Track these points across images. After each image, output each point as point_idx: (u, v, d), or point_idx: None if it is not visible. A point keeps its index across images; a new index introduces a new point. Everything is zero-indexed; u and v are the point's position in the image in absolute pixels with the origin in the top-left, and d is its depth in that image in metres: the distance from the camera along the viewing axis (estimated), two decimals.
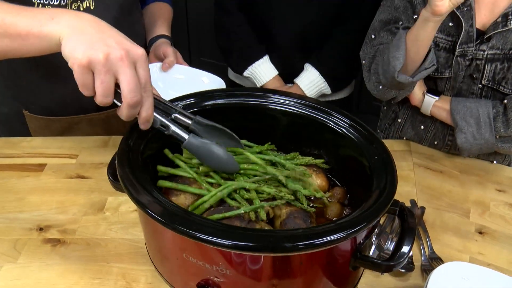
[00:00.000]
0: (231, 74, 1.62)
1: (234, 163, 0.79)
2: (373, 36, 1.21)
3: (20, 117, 1.29)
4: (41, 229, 0.94)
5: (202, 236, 0.59)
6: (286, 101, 0.86)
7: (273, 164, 0.82)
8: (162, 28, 1.38)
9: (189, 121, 0.78)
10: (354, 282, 0.79)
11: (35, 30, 0.70)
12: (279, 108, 0.87)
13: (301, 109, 0.86)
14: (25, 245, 0.90)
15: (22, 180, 1.06)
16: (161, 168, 0.81)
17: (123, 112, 0.69)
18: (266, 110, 0.87)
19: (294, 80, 1.46)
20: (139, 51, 0.68)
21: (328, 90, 1.45)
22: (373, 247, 0.91)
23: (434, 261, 0.92)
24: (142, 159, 0.75)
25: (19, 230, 0.93)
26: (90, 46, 0.65)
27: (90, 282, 0.83)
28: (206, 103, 0.85)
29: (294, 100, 0.86)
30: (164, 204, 0.63)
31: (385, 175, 0.73)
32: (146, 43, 1.38)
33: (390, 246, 0.94)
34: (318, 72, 1.42)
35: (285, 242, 0.59)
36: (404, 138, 1.34)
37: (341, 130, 0.83)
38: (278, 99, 0.86)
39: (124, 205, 1.00)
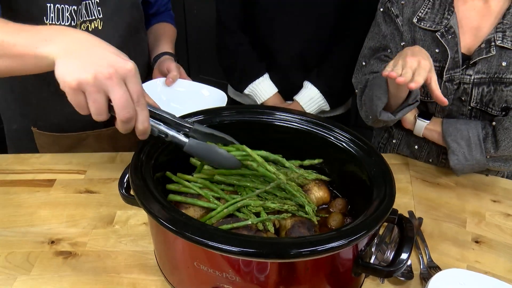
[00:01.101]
0: (231, 92, 1.66)
1: (235, 160, 0.81)
2: (363, 63, 1.25)
3: (29, 133, 1.33)
4: (52, 242, 0.97)
5: (214, 244, 0.62)
6: (289, 118, 0.91)
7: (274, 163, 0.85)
8: (165, 45, 1.42)
9: (187, 130, 0.80)
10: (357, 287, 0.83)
11: (31, 52, 0.71)
12: (283, 124, 0.91)
13: (303, 125, 0.90)
14: (37, 258, 0.93)
15: (33, 195, 1.10)
16: (170, 186, 0.85)
17: (119, 127, 0.71)
18: (270, 126, 0.91)
19: (294, 97, 1.50)
20: (127, 66, 0.69)
21: (327, 107, 1.49)
22: (373, 256, 0.94)
23: (432, 269, 0.95)
24: (154, 173, 0.78)
25: (31, 243, 0.96)
26: (79, 68, 0.67)
27: None
28: (214, 120, 0.89)
29: (297, 117, 0.91)
30: (177, 216, 0.67)
31: (384, 186, 0.77)
32: (150, 61, 1.42)
33: (390, 255, 0.97)
34: (317, 90, 1.46)
35: (291, 248, 0.62)
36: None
37: (341, 144, 0.87)
38: (282, 116, 0.91)
39: (133, 219, 1.03)
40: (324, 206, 0.90)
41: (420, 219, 1.08)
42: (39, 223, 1.02)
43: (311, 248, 0.63)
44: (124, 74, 0.69)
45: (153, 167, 0.79)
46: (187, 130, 0.80)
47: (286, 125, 0.91)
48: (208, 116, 0.90)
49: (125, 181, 0.83)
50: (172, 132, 0.77)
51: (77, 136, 1.31)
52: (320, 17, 1.44)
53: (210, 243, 0.62)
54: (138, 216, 1.04)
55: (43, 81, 1.21)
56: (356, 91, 1.27)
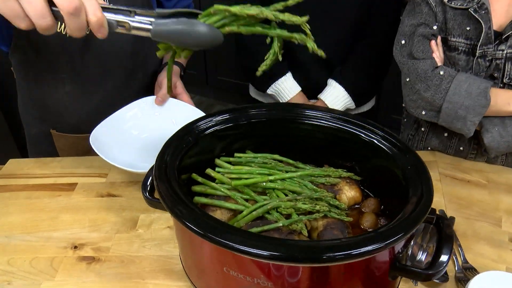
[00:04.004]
0: (253, 92, 1.63)
1: (215, 31, 0.70)
2: (403, 42, 1.22)
3: (48, 137, 1.32)
4: (75, 247, 0.95)
5: (246, 249, 0.59)
6: (319, 115, 0.87)
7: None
8: None
9: (151, 18, 0.69)
10: None
11: None
12: (313, 122, 0.87)
13: (334, 122, 0.87)
14: (61, 263, 0.91)
15: (54, 200, 1.08)
16: (195, 188, 0.82)
17: (70, 26, 0.62)
18: (299, 124, 0.88)
19: (319, 96, 1.47)
20: None
21: (352, 105, 1.46)
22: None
23: (468, 271, 0.91)
24: (178, 175, 0.76)
25: (54, 248, 0.95)
26: None
27: None
28: (240, 118, 0.86)
29: (327, 114, 0.87)
30: (206, 219, 0.64)
31: (421, 184, 0.73)
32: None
33: (422, 256, 0.93)
34: (342, 88, 1.43)
35: (329, 252, 0.59)
36: (429, 148, 1.34)
37: (373, 142, 0.84)
38: (311, 113, 0.87)
39: (156, 222, 1.00)
40: (356, 206, 0.86)
41: (452, 219, 1.04)
42: (62, 227, 1.00)
43: (350, 251, 0.59)
44: None
45: (178, 169, 0.77)
46: (152, 19, 0.69)
47: (316, 123, 0.87)
48: (234, 114, 0.87)
49: (148, 184, 0.81)
50: (132, 21, 0.67)
51: None
52: (342, 15, 1.41)
53: (242, 247, 0.59)
54: (162, 220, 1.01)
55: (59, 82, 1.20)
56: (408, 79, 1.22)
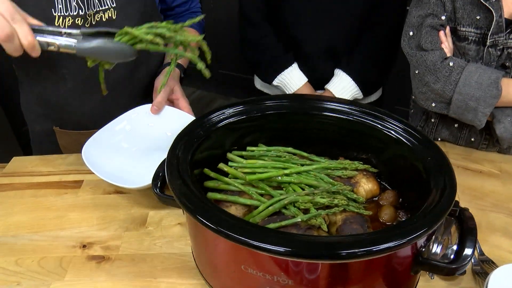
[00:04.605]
0: (258, 84, 1.60)
1: (128, 47, 0.81)
2: (411, 33, 1.19)
3: (51, 135, 1.29)
4: (84, 246, 0.93)
5: (268, 247, 0.57)
6: (333, 106, 0.85)
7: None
8: None
9: (77, 37, 0.79)
10: (413, 286, 0.77)
11: None
12: (327, 113, 0.85)
13: (350, 113, 0.84)
14: (70, 263, 0.89)
15: (60, 198, 1.05)
16: (208, 183, 0.80)
17: (6, 49, 0.74)
18: (312, 116, 0.86)
19: (326, 86, 1.44)
20: None
21: (360, 95, 1.43)
22: None
23: (485, 263, 0.89)
24: (191, 170, 0.73)
25: (63, 247, 0.92)
26: None
27: None
28: (253, 111, 0.84)
29: (342, 105, 0.84)
30: (223, 216, 0.61)
31: (443, 176, 0.71)
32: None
33: (438, 249, 0.91)
34: (349, 78, 1.40)
35: (354, 248, 0.57)
36: (439, 139, 1.32)
37: (391, 133, 0.81)
38: (325, 105, 0.85)
39: (166, 219, 0.98)
40: (373, 199, 0.84)
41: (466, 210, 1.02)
42: (69, 226, 0.97)
43: (379, 246, 0.57)
44: None
45: (190, 164, 0.74)
46: (78, 34, 0.80)
47: (331, 114, 0.85)
48: (247, 107, 0.84)
49: (158, 180, 0.78)
50: (59, 41, 0.78)
51: None
52: (349, 5, 1.38)
53: (263, 245, 0.57)
54: (172, 217, 0.99)
55: (60, 78, 1.18)
56: (417, 72, 1.20)
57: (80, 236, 0.95)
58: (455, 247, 0.91)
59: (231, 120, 0.82)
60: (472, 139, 1.26)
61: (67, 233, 0.96)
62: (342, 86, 1.40)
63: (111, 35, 0.81)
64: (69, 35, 0.80)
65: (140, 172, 1.03)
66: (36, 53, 0.78)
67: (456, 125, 1.27)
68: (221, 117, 0.82)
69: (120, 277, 0.86)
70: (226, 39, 2.79)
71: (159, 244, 0.92)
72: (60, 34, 0.80)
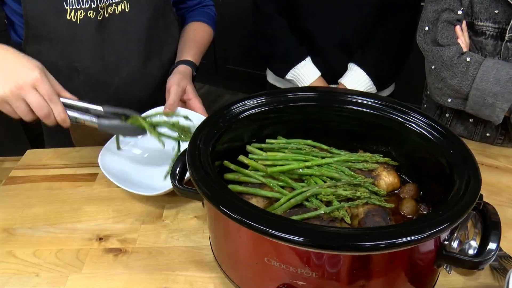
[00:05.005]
0: (271, 78, 1.59)
1: (139, 128, 0.96)
2: (426, 28, 1.18)
3: (64, 129, 1.28)
4: (100, 238, 0.92)
5: (295, 238, 0.56)
6: (354, 99, 0.84)
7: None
8: (188, 53, 1.29)
9: (94, 119, 0.94)
10: (434, 280, 0.76)
11: None
12: (348, 106, 0.84)
13: (373, 107, 0.83)
14: (87, 255, 0.88)
15: (76, 190, 1.05)
16: (228, 175, 0.79)
17: (44, 121, 0.90)
18: (333, 108, 0.85)
19: (339, 80, 1.43)
20: (34, 75, 0.86)
21: (374, 89, 1.42)
22: None
23: (504, 259, 0.88)
24: (212, 161, 0.73)
25: (79, 240, 0.92)
26: (0, 85, 0.85)
27: None
28: (274, 103, 0.83)
29: (363, 98, 0.83)
30: (249, 208, 0.61)
31: (467, 169, 0.70)
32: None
33: (455, 243, 0.91)
34: (363, 71, 1.39)
35: (391, 238, 0.56)
36: None
37: (412, 126, 0.80)
38: (347, 97, 0.84)
39: (182, 212, 0.98)
40: (394, 192, 0.83)
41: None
42: (85, 219, 0.97)
43: (406, 238, 0.56)
44: (32, 83, 0.86)
45: (211, 155, 0.74)
46: (101, 112, 0.95)
47: (351, 107, 0.84)
48: (268, 99, 0.83)
49: (177, 172, 0.77)
50: (85, 117, 0.93)
51: None
52: None
53: (290, 236, 0.56)
54: (188, 210, 0.98)
55: (73, 71, 1.17)
56: (433, 67, 1.19)
57: (96, 229, 0.95)
58: (472, 242, 0.91)
59: (252, 112, 0.81)
60: (488, 134, 1.25)
61: (84, 226, 0.95)
62: (356, 80, 1.39)
63: (126, 116, 0.97)
64: (92, 115, 0.95)
65: (155, 177, 1.02)
66: (66, 125, 0.93)
67: (471, 120, 1.26)
68: (241, 109, 0.81)
69: (138, 270, 0.85)
70: (234, 34, 2.79)
71: (176, 237, 0.92)
72: (87, 110, 0.94)
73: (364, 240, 0.56)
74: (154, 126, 0.97)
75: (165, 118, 0.99)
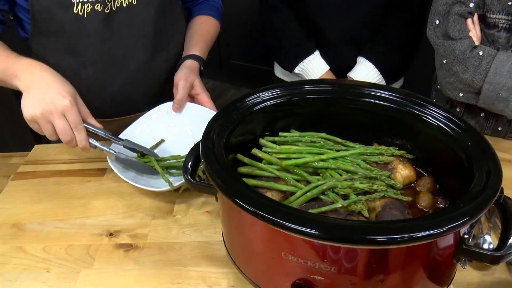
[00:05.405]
0: (279, 72, 1.58)
1: (149, 167, 1.02)
2: (437, 22, 1.16)
3: None
4: (111, 234, 0.91)
5: (314, 232, 0.55)
6: (369, 92, 0.82)
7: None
8: (195, 47, 1.28)
9: (112, 152, 1.00)
10: (452, 274, 0.75)
11: (8, 81, 0.98)
12: (362, 99, 0.82)
13: (389, 100, 0.82)
14: (97, 251, 0.87)
15: (84, 185, 1.04)
16: (242, 169, 0.78)
17: (67, 144, 0.94)
18: (347, 101, 0.83)
19: (348, 74, 1.42)
20: (64, 103, 0.91)
21: (383, 83, 1.40)
22: None
23: None
24: (226, 154, 0.71)
25: (89, 236, 0.91)
26: (31, 105, 0.91)
27: (169, 287, 0.80)
28: (288, 95, 0.82)
29: (384, 92, 0.82)
30: (268, 202, 0.59)
31: (486, 162, 0.69)
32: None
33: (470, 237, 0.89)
34: (372, 65, 1.37)
35: (407, 233, 0.55)
36: None
37: (427, 118, 0.79)
38: (362, 90, 0.82)
39: (193, 207, 0.96)
40: (410, 185, 0.81)
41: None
42: (95, 214, 0.96)
43: (432, 231, 0.55)
44: (62, 109, 0.91)
45: (225, 149, 0.72)
46: (121, 145, 1.02)
47: (365, 99, 0.82)
48: (288, 90, 0.82)
49: (189, 166, 0.76)
50: (104, 148, 0.99)
51: (120, 122, 1.25)
52: None
53: (309, 230, 0.55)
54: (199, 204, 0.97)
55: (80, 65, 1.16)
56: (445, 61, 1.17)
57: (106, 224, 0.94)
58: (487, 237, 0.89)
59: (266, 104, 0.80)
60: (499, 129, 1.23)
61: (93, 221, 0.94)
62: (365, 73, 1.38)
63: (142, 154, 1.03)
64: (115, 139, 1.03)
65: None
66: (86, 151, 0.97)
67: (482, 114, 1.24)
68: (255, 101, 0.80)
69: (149, 266, 0.84)
70: (239, 29, 2.77)
71: (187, 232, 0.91)
72: (104, 142, 1.00)
73: (391, 233, 0.54)
74: (166, 168, 1.01)
75: (179, 161, 1.01)
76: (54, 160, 1.12)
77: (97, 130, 0.99)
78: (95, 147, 0.98)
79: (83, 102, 0.98)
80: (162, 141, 1.11)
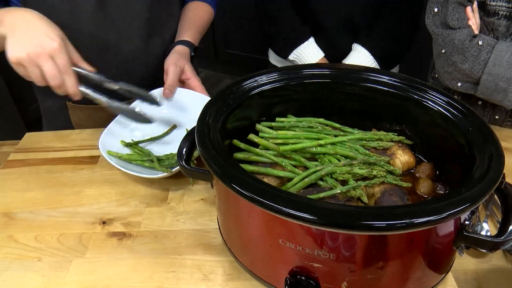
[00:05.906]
0: (273, 59, 1.56)
1: (150, 117, 0.97)
2: (435, 10, 1.14)
3: (63, 110, 1.25)
4: (104, 222, 0.89)
5: (313, 218, 0.53)
6: (367, 76, 0.80)
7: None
8: (186, 33, 1.26)
9: (116, 87, 0.96)
10: (452, 261, 0.74)
11: None
12: (360, 83, 0.81)
13: (388, 84, 0.80)
14: (90, 240, 0.85)
15: (77, 173, 1.02)
16: (238, 155, 0.76)
17: (56, 90, 0.90)
18: (344, 86, 0.82)
19: (343, 61, 1.40)
20: (53, 45, 0.86)
21: None
22: None
23: None
24: (222, 139, 0.69)
25: (82, 224, 0.89)
26: (18, 47, 0.85)
27: (164, 276, 0.78)
28: (285, 80, 0.80)
29: (386, 77, 0.80)
30: (263, 187, 0.58)
31: (488, 147, 0.67)
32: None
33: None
34: (368, 52, 1.36)
35: (409, 218, 0.53)
36: None
37: (428, 103, 0.77)
38: (360, 74, 0.81)
39: (188, 195, 0.95)
40: (409, 171, 0.80)
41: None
42: (87, 202, 0.94)
43: (433, 216, 0.54)
44: (50, 52, 0.86)
45: (220, 133, 0.70)
46: (116, 89, 0.96)
47: (364, 84, 0.81)
48: (285, 75, 0.80)
49: (184, 152, 0.74)
50: (96, 95, 0.93)
51: None
52: None
53: (309, 216, 0.53)
54: (194, 192, 0.95)
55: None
56: (443, 51, 1.15)
57: (99, 213, 0.92)
58: (484, 224, 0.88)
59: (263, 88, 0.78)
60: (497, 117, 1.22)
61: (86, 209, 0.92)
62: (360, 61, 1.36)
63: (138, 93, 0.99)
64: (103, 87, 0.96)
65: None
66: (76, 98, 0.92)
67: (479, 103, 1.22)
68: (251, 85, 0.78)
69: (144, 254, 0.82)
70: (234, 18, 2.74)
71: (182, 220, 0.89)
72: (101, 84, 0.95)
73: (391, 219, 0.53)
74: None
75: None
76: (46, 147, 1.10)
77: (90, 74, 0.94)
78: (86, 94, 0.92)
79: (73, 47, 0.92)
80: (174, 126, 1.09)
